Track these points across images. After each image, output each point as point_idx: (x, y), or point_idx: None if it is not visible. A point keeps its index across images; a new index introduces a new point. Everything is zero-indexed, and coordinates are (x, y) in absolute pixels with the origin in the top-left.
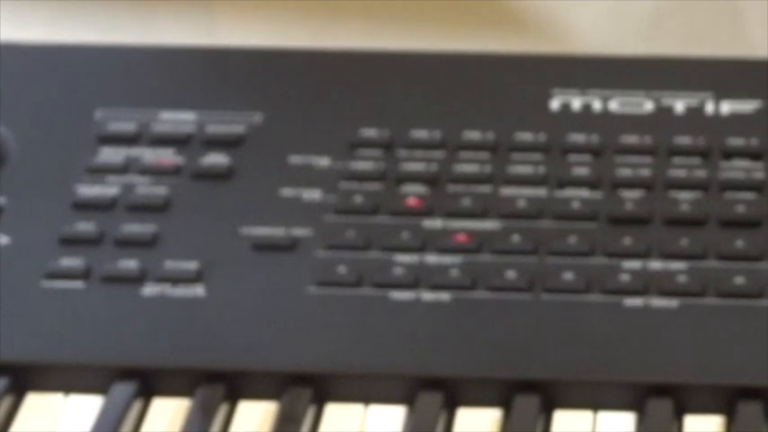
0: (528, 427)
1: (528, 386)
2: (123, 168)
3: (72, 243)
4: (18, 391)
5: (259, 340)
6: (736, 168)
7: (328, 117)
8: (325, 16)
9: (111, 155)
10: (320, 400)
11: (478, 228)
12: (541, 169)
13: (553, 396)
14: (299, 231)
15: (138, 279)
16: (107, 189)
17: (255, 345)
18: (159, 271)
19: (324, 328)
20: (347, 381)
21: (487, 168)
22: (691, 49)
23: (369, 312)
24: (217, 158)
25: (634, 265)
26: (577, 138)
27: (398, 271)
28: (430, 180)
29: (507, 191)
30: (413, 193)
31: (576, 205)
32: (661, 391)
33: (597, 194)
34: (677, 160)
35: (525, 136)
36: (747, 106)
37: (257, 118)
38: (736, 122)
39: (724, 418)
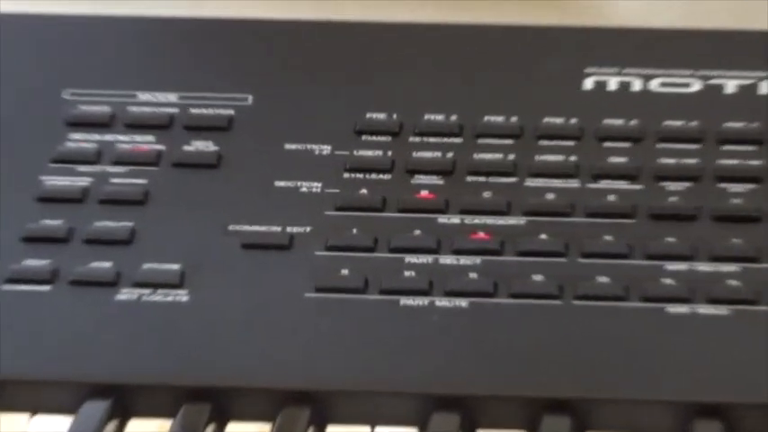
0: None
1: (558, 406)
2: (95, 157)
3: (37, 242)
4: None
5: (250, 353)
6: None
7: (330, 99)
8: None
9: (81, 141)
10: (320, 422)
11: (501, 225)
12: (573, 158)
13: (586, 417)
14: (297, 229)
15: (113, 283)
16: (76, 180)
17: (246, 358)
18: (136, 274)
19: (324, 340)
20: (351, 400)
21: (511, 157)
22: (743, 22)
23: (376, 321)
24: (202, 145)
25: (679, 267)
26: (614, 122)
27: (409, 274)
28: (446, 171)
29: (534, 183)
30: (426, 186)
31: (612, 199)
32: (710, 411)
33: (637, 187)
34: (728, 148)
35: (555, 120)
36: None
37: (248, 100)
38: None
39: None
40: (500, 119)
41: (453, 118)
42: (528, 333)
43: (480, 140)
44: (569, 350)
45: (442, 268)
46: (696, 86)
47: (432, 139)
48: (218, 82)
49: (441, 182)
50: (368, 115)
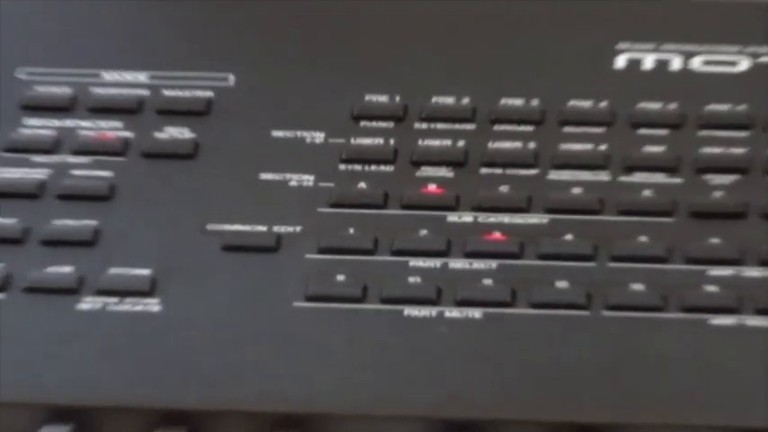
0: None
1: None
2: (53, 145)
3: None
4: None
5: (232, 371)
6: None
7: (323, 78)
8: None
9: (37, 127)
10: None
11: (520, 224)
12: (603, 148)
13: None
14: (285, 228)
15: (74, 290)
16: (32, 173)
17: (227, 377)
18: (101, 280)
19: (316, 356)
20: (347, 424)
21: (532, 146)
22: None
23: (375, 335)
24: (177, 132)
25: (724, 272)
26: (650, 106)
27: (414, 281)
28: (456, 161)
29: (558, 175)
30: (434, 179)
31: (647, 195)
32: None
33: (676, 180)
34: None
35: (582, 104)
36: None
37: (229, 80)
38: None
39: None
40: (519, 102)
41: (465, 101)
42: (551, 349)
43: (496, 127)
44: (598, 368)
45: (452, 274)
46: (744, 65)
47: (440, 125)
48: (194, 59)
49: (451, 174)
50: (367, 97)
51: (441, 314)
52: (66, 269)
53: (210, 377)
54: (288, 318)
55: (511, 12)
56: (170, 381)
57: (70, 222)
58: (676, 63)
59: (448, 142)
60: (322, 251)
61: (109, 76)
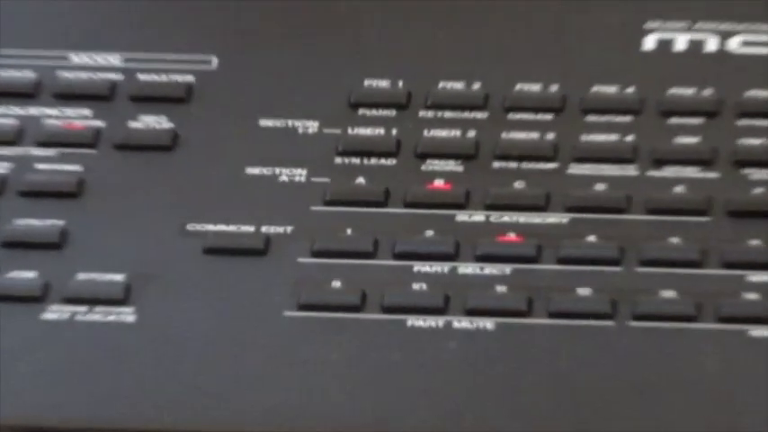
0: None
1: None
2: (15, 136)
3: None
4: None
5: (215, 388)
6: None
7: (317, 61)
8: None
9: None
10: None
11: (537, 224)
12: (630, 139)
13: None
14: (274, 229)
15: (38, 298)
16: None
17: (210, 395)
18: (69, 287)
19: (310, 372)
20: None
21: (551, 137)
22: None
23: (376, 348)
24: (153, 122)
25: (764, 278)
26: (682, 92)
27: (419, 288)
28: (466, 154)
29: (579, 170)
30: (441, 174)
31: (679, 191)
32: None
33: (711, 175)
34: None
35: (606, 90)
36: None
37: (212, 63)
38: None
39: None
40: (536, 87)
41: (476, 86)
42: (572, 364)
43: (511, 115)
44: (625, 384)
45: (462, 280)
46: None
47: (448, 114)
48: (173, 40)
49: (460, 168)
50: (366, 83)
51: (448, 325)
52: (30, 274)
53: (190, 396)
54: (277, 329)
55: None
56: (145, 399)
57: (34, 222)
58: (712, 44)
59: (457, 132)
60: (316, 254)
61: (77, 58)
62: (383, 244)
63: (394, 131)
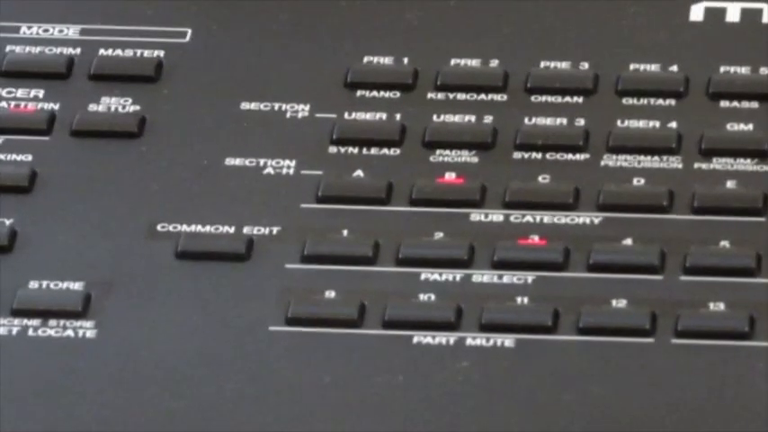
0: None
1: None
2: None
3: None
4: None
5: (190, 413)
6: None
7: (307, 36)
8: None
9: None
10: None
11: (565, 225)
12: (673, 125)
13: None
14: (258, 229)
15: None
16: None
17: (183, 420)
18: (19, 297)
19: (300, 395)
20: None
21: (581, 123)
22: None
23: (377, 368)
24: (117, 104)
25: None
26: (735, 71)
27: (427, 299)
28: (482, 143)
29: (614, 161)
30: (453, 166)
31: (731, 187)
32: None
33: (767, 168)
34: None
35: (646, 68)
36: None
37: (185, 36)
38: None
39: None
40: (564, 66)
41: (493, 64)
42: (605, 387)
43: (534, 97)
44: (666, 409)
45: (477, 290)
46: None
47: (461, 96)
48: (140, 10)
49: (474, 159)
50: (366, 59)
51: (461, 342)
52: None
53: (159, 423)
54: (262, 346)
55: None
56: (106, 424)
57: None
58: None
59: (471, 118)
60: (306, 259)
61: (29, 30)
62: (385, 248)
63: (398, 116)
